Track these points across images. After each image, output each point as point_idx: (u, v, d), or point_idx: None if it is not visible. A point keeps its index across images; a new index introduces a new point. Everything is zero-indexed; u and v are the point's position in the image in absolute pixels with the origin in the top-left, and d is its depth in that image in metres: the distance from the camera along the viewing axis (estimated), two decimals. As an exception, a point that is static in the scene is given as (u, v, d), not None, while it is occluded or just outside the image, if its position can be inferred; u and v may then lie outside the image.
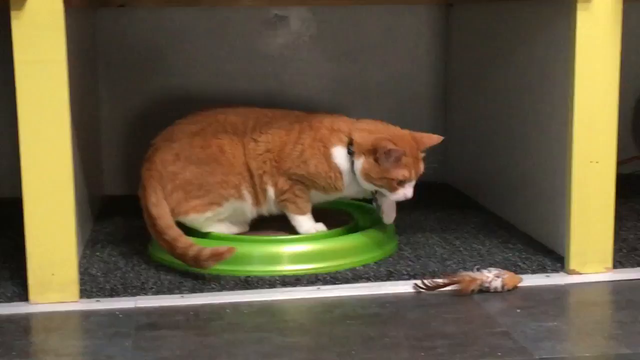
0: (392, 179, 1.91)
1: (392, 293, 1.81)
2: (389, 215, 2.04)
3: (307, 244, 1.95)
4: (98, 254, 2.05)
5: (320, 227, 2.01)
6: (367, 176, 1.92)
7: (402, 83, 2.76)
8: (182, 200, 1.95)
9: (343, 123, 1.99)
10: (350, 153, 1.94)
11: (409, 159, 1.90)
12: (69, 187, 1.74)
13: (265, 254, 1.93)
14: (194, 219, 1.97)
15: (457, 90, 2.70)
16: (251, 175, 1.98)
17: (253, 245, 1.95)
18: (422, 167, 1.94)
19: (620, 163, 1.93)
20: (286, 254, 1.92)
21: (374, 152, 1.90)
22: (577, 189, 1.88)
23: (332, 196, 2.02)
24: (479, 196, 2.52)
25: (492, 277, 1.81)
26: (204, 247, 1.86)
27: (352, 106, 2.74)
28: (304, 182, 1.97)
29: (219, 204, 1.97)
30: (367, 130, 1.95)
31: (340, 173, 1.95)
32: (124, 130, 2.64)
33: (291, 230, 2.03)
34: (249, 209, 2.01)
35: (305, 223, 2.01)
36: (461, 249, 2.06)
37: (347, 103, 2.73)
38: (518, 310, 1.71)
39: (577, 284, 1.87)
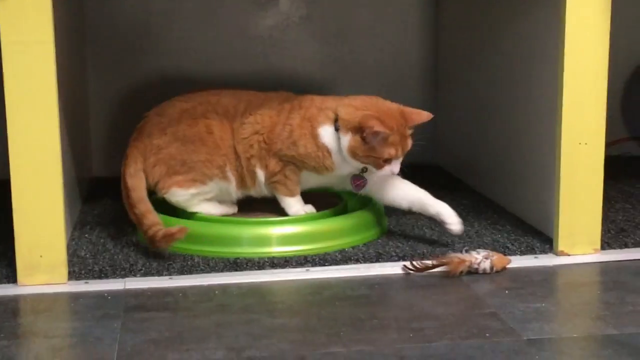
0: (379, 157, 1.91)
1: (381, 274, 1.82)
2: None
3: (296, 225, 1.95)
4: (86, 235, 2.05)
5: (309, 208, 2.02)
6: (354, 153, 1.92)
7: (392, 64, 2.76)
8: (165, 174, 1.96)
9: (332, 100, 1.98)
10: (337, 129, 1.94)
11: (395, 137, 1.90)
12: (57, 168, 1.73)
13: (254, 235, 1.93)
14: (177, 195, 1.97)
15: (447, 71, 2.70)
16: (237, 158, 1.98)
17: (242, 226, 1.95)
18: (409, 144, 1.94)
19: (609, 144, 1.94)
20: (275, 235, 1.93)
21: (360, 130, 1.89)
22: (566, 170, 1.88)
23: (328, 177, 2.01)
24: (468, 178, 2.53)
25: (480, 258, 1.82)
26: (163, 228, 1.86)
27: (342, 87, 2.73)
28: (295, 162, 1.97)
29: (203, 182, 1.97)
30: (354, 106, 1.94)
31: (329, 152, 1.95)
32: (112, 112, 2.63)
33: (280, 212, 2.03)
34: (234, 191, 2.01)
35: (294, 204, 2.01)
36: (450, 230, 2.06)
37: (337, 84, 2.73)
38: (506, 292, 1.72)
39: (566, 265, 1.88)
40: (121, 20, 2.59)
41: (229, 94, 2.03)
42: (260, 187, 2.01)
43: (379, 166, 1.93)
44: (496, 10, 2.26)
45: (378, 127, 1.86)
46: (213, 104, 2.00)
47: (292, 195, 2.00)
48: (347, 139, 1.91)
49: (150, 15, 2.60)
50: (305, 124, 1.95)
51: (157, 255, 1.89)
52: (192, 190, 1.97)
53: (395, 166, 1.93)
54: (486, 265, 1.81)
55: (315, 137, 1.94)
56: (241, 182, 2.00)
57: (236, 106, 2.00)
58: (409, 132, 1.94)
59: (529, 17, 2.04)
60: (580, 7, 1.82)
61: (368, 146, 1.89)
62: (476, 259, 1.81)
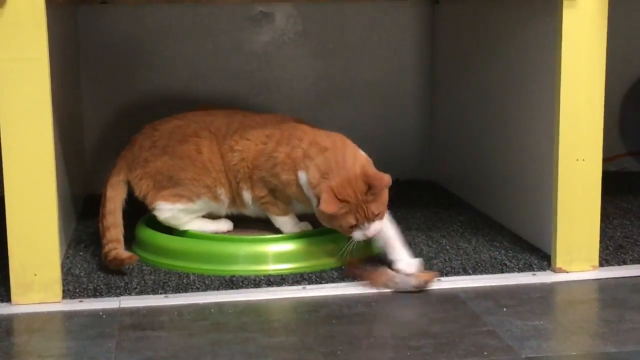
0: (341, 226, 1.86)
1: (378, 292, 1.82)
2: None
3: (292, 243, 1.95)
4: (81, 253, 2.04)
5: (305, 226, 2.01)
6: (321, 216, 1.88)
7: (388, 80, 2.76)
8: (152, 188, 1.97)
9: (315, 148, 1.91)
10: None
11: (351, 206, 1.83)
12: (51, 185, 1.73)
13: (251, 253, 1.93)
14: (164, 209, 1.97)
15: (443, 87, 2.71)
16: (229, 182, 1.98)
17: (238, 244, 1.95)
18: (375, 207, 1.84)
19: (606, 160, 1.95)
20: (271, 253, 1.93)
21: (318, 198, 1.84)
22: (564, 186, 1.88)
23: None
24: (465, 194, 2.53)
25: (401, 276, 1.81)
26: (117, 250, 1.88)
27: (336, 104, 2.74)
28: (279, 190, 1.97)
29: (190, 199, 1.97)
30: (318, 168, 1.87)
31: (306, 196, 1.92)
32: (107, 128, 2.63)
33: (277, 229, 2.03)
34: (225, 210, 2.01)
35: (287, 223, 2.01)
36: (447, 247, 2.06)
37: (332, 100, 2.74)
38: (504, 309, 1.72)
39: (564, 282, 1.88)
40: (115, 36, 2.60)
41: (223, 114, 2.04)
42: (250, 207, 2.01)
43: (346, 232, 1.87)
44: (491, 26, 2.27)
45: (326, 207, 1.81)
46: (207, 123, 2.00)
47: (284, 214, 2.00)
48: (315, 201, 1.88)
49: (144, 31, 2.61)
50: (288, 162, 1.92)
51: (152, 273, 1.89)
52: (179, 206, 1.97)
53: (368, 231, 1.85)
54: (408, 283, 1.80)
55: (296, 177, 1.91)
56: (234, 203, 2.00)
57: (228, 127, 2.00)
58: (371, 197, 1.84)
59: (525, 31, 2.05)
60: (577, 21, 1.83)
61: (327, 215, 1.84)
62: (394, 276, 1.81)
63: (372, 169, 1.89)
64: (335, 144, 1.93)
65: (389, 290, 1.82)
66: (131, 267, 1.91)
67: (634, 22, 2.80)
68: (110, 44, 2.60)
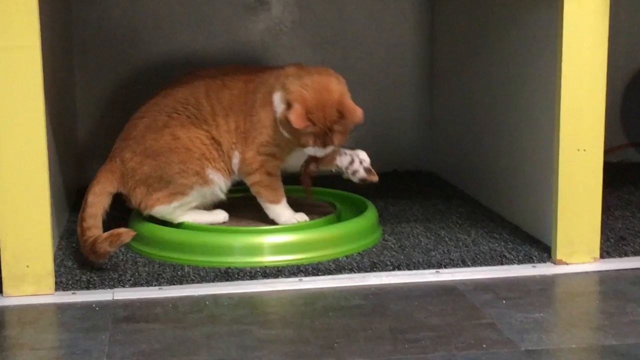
0: (298, 140, 1.92)
1: (376, 284, 1.82)
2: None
3: (288, 234, 1.95)
4: (74, 245, 2.04)
5: (301, 217, 2.02)
6: (281, 123, 1.93)
7: (386, 70, 2.76)
8: (145, 194, 1.97)
9: (292, 68, 1.98)
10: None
11: (316, 129, 1.89)
12: (43, 176, 1.73)
13: (246, 244, 1.93)
14: (161, 211, 1.98)
15: (442, 77, 2.70)
16: (218, 148, 1.98)
17: (233, 235, 1.95)
18: (337, 139, 1.92)
19: (607, 151, 1.94)
20: (267, 244, 1.93)
21: (289, 105, 1.90)
22: (564, 177, 1.88)
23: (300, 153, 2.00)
24: (464, 185, 2.53)
25: (354, 168, 1.95)
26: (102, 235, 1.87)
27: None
28: (273, 151, 1.97)
29: (183, 193, 1.97)
30: (301, 84, 1.92)
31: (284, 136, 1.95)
32: (100, 119, 2.63)
33: (273, 220, 2.03)
34: (221, 189, 2.00)
35: (282, 213, 2.01)
36: (446, 239, 2.06)
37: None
38: (504, 301, 1.72)
39: (564, 274, 1.88)
40: (109, 25, 2.59)
41: (181, 86, 2.01)
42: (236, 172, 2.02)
43: (298, 145, 1.94)
44: (492, 15, 2.27)
45: (295, 120, 1.86)
46: (170, 105, 1.99)
47: (277, 201, 2.00)
48: (282, 107, 1.92)
49: (139, 19, 2.60)
50: (267, 99, 1.95)
51: (146, 265, 1.89)
52: (175, 204, 1.98)
53: (319, 152, 1.93)
54: (358, 172, 1.95)
55: (271, 104, 1.95)
56: (227, 173, 2.00)
57: (195, 95, 1.99)
58: (340, 127, 1.91)
59: (526, 21, 2.05)
60: (578, 11, 1.83)
61: (290, 125, 1.90)
62: (351, 164, 1.96)
63: (348, 100, 1.93)
64: (320, 69, 1.98)
65: (333, 170, 1.97)
66: (119, 256, 1.89)
67: (636, 12, 2.80)
68: (104, 33, 2.59)
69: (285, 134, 1.94)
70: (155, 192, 1.97)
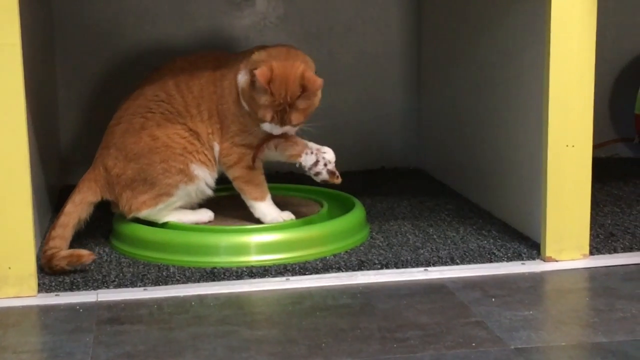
0: (255, 113, 1.93)
1: (364, 283, 1.82)
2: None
3: (275, 233, 1.95)
4: (57, 246, 2.03)
5: (287, 215, 2.02)
6: (243, 93, 1.95)
7: (373, 65, 2.76)
8: (131, 198, 1.96)
9: (255, 48, 2.00)
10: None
11: (277, 103, 1.90)
12: (25, 176, 1.72)
13: (232, 244, 1.92)
14: (147, 214, 1.98)
15: (430, 73, 2.71)
16: (199, 140, 1.98)
17: (219, 235, 1.95)
18: (296, 117, 1.92)
19: (596, 146, 1.95)
20: (254, 244, 1.92)
21: (252, 72, 1.91)
22: (553, 173, 1.89)
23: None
24: (452, 182, 2.53)
25: (318, 169, 1.96)
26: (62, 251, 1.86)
27: (322, 88, 2.73)
28: (249, 141, 1.98)
29: (169, 194, 1.97)
30: (267, 53, 1.95)
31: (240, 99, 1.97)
32: (83, 116, 2.62)
33: (259, 220, 2.03)
34: (208, 182, 2.00)
35: (268, 211, 2.01)
36: (435, 236, 2.07)
37: (316, 86, 2.73)
38: (493, 299, 1.72)
39: (554, 271, 1.89)
40: (91, 22, 2.58)
41: (150, 84, 2.01)
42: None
43: (256, 120, 1.94)
44: (479, 10, 2.27)
45: (259, 74, 1.88)
46: (143, 105, 1.99)
47: (262, 198, 2.01)
48: (245, 78, 1.94)
49: (121, 16, 2.59)
50: (234, 84, 1.97)
51: (130, 265, 1.88)
52: (160, 205, 1.98)
53: (275, 129, 1.94)
54: (320, 175, 1.97)
55: (236, 84, 1.97)
56: (213, 164, 2.01)
57: (170, 97, 1.99)
58: (301, 103, 1.92)
59: (514, 14, 2.06)
60: (566, 5, 1.83)
61: (252, 93, 1.91)
62: (315, 165, 1.97)
63: (309, 72, 1.94)
64: (289, 48, 1.99)
65: (297, 166, 1.99)
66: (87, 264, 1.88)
67: (624, 6, 2.81)
68: (86, 29, 2.58)
69: (246, 107, 1.95)
70: (141, 194, 1.96)
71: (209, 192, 2.02)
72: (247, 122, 1.97)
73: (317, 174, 1.98)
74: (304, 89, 1.91)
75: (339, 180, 1.98)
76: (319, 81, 1.93)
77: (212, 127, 1.99)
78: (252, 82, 1.91)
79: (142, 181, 1.96)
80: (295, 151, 1.99)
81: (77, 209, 1.95)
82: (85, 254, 1.85)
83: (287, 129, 1.95)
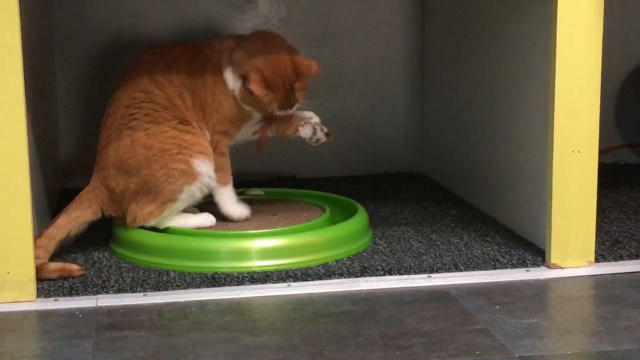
0: (262, 108, 2.00)
1: (366, 289, 1.82)
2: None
3: (277, 238, 1.95)
4: (56, 250, 2.03)
5: (246, 209, 2.07)
6: (243, 100, 2.00)
7: (376, 69, 2.76)
8: (136, 209, 1.96)
9: (231, 40, 2.05)
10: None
11: (277, 94, 1.97)
12: (24, 179, 1.73)
13: (233, 249, 1.93)
14: (155, 223, 1.99)
15: (433, 77, 2.71)
16: (191, 129, 1.99)
17: (220, 240, 1.95)
18: (298, 97, 2.01)
19: (602, 152, 1.95)
20: (255, 249, 1.93)
21: (244, 77, 1.96)
22: (558, 179, 1.89)
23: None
24: (456, 187, 2.53)
25: (317, 136, 2.05)
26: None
27: (323, 94, 2.73)
28: (227, 128, 2.02)
29: (173, 200, 1.97)
30: (247, 51, 2.00)
31: (235, 97, 2.01)
32: (83, 119, 2.62)
33: (260, 224, 2.03)
34: (211, 176, 2.00)
35: (231, 199, 2.05)
36: (438, 242, 2.07)
37: (318, 90, 2.71)
38: (497, 307, 1.72)
39: (559, 278, 1.89)
40: (91, 24, 2.58)
41: (126, 88, 2.01)
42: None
43: (266, 115, 2.03)
44: (485, 14, 2.27)
45: (256, 89, 1.94)
46: (125, 115, 1.99)
47: (227, 182, 2.04)
48: (239, 84, 1.99)
49: (122, 19, 2.60)
50: (217, 78, 2.01)
51: (130, 271, 1.88)
52: (166, 213, 1.98)
53: (288, 112, 2.03)
54: (320, 140, 2.07)
55: (225, 85, 2.01)
56: (211, 151, 2.03)
57: (149, 94, 1.99)
58: (299, 85, 2.00)
59: (519, 19, 2.06)
60: (572, 11, 1.84)
61: (252, 96, 1.97)
62: (314, 134, 2.06)
63: (299, 57, 2.01)
64: (262, 34, 2.07)
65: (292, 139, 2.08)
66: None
67: (630, 11, 2.81)
68: (87, 30, 2.58)
69: (249, 108, 2.01)
70: (147, 205, 1.96)
71: (213, 183, 2.02)
72: (235, 115, 2.02)
73: (317, 140, 2.07)
74: (299, 74, 1.99)
75: (332, 139, 2.09)
76: (315, 66, 2.01)
77: (198, 115, 2.02)
78: (247, 88, 1.96)
79: (147, 192, 1.96)
80: (292, 128, 2.08)
81: (70, 225, 1.95)
82: (75, 269, 1.86)
83: (296, 107, 2.03)
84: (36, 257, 1.84)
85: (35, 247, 1.87)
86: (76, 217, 1.96)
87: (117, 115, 2.00)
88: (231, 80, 2.01)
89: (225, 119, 2.02)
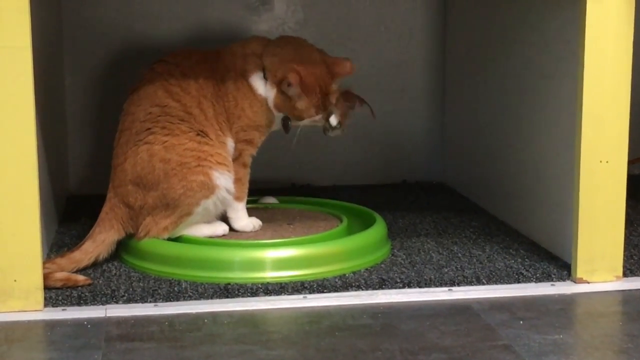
0: (300, 114, 2.03)
1: (385, 303, 1.82)
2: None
3: (292, 248, 1.96)
4: (64, 258, 2.04)
5: (257, 221, 2.08)
6: (278, 107, 2.03)
7: (396, 75, 2.77)
8: (151, 223, 1.98)
9: (255, 44, 2.07)
10: (266, 79, 2.03)
11: (315, 98, 2.01)
12: (33, 185, 1.74)
13: (247, 259, 1.93)
14: (169, 236, 2.00)
15: (455, 83, 2.71)
16: (208, 141, 2.00)
17: (234, 249, 1.96)
18: (333, 100, 2.05)
19: (631, 162, 1.95)
20: (270, 259, 1.93)
21: (280, 82, 1.99)
22: (585, 190, 1.89)
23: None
24: (478, 197, 2.54)
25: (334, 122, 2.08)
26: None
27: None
28: (252, 137, 2.04)
29: (189, 214, 1.98)
30: (279, 58, 2.02)
31: (266, 103, 2.04)
32: (92, 125, 2.63)
33: (275, 234, 2.04)
34: (229, 189, 2.01)
35: (243, 214, 2.07)
36: (459, 254, 2.07)
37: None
38: (521, 322, 1.72)
39: (585, 293, 1.88)
40: (102, 23, 2.59)
41: (141, 106, 2.02)
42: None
43: (301, 119, 2.05)
44: (509, 18, 2.28)
45: (294, 81, 1.97)
46: (143, 131, 1.99)
47: (242, 198, 2.06)
48: (272, 92, 2.01)
49: (133, 18, 2.61)
50: (240, 82, 2.03)
51: (141, 280, 1.89)
52: (180, 227, 1.99)
53: (318, 119, 2.06)
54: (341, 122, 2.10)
55: (252, 91, 2.03)
56: (230, 162, 2.04)
57: (165, 107, 2.00)
58: (335, 87, 2.05)
59: (545, 24, 2.06)
60: (601, 13, 1.84)
61: (289, 102, 2.00)
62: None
63: (331, 57, 2.06)
64: (288, 39, 2.12)
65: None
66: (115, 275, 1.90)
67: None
68: (97, 32, 2.60)
69: (283, 114, 2.04)
70: (163, 220, 1.97)
71: (229, 197, 2.02)
72: (260, 121, 2.04)
73: (339, 124, 2.11)
74: (335, 75, 2.03)
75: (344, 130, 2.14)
76: (349, 64, 2.05)
77: (219, 124, 2.01)
78: (284, 93, 1.99)
79: (164, 206, 1.97)
80: (323, 120, 2.10)
81: (98, 249, 1.96)
82: (81, 279, 1.87)
83: (324, 115, 2.07)
84: (48, 268, 1.85)
85: (55, 262, 1.89)
86: (102, 241, 1.97)
87: (132, 131, 2.01)
88: (261, 86, 2.03)
89: (250, 125, 2.03)
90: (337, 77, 2.04)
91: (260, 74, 2.02)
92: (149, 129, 1.99)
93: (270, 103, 2.03)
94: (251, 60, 2.03)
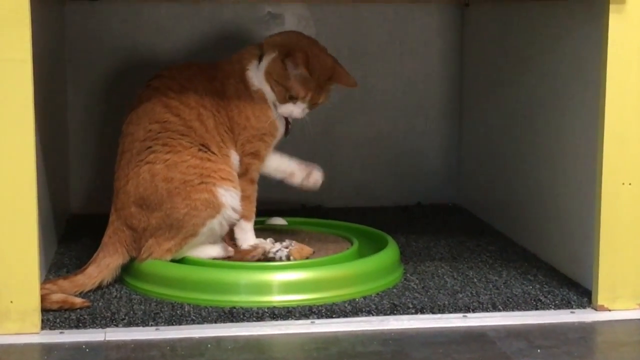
0: (287, 89, 2.04)
1: (396, 329, 1.82)
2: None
3: (300, 271, 1.96)
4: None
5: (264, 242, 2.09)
6: (268, 74, 2.04)
7: (410, 91, 2.77)
8: (154, 245, 1.98)
9: (253, 47, 2.11)
10: (261, 59, 2.06)
11: (311, 82, 2.04)
12: (32, 203, 1.74)
13: (253, 282, 1.93)
14: (172, 258, 2.00)
15: (472, 100, 2.71)
16: (210, 156, 2.01)
17: (239, 272, 1.96)
18: (323, 98, 2.08)
19: (655, 185, 1.94)
20: (277, 282, 1.93)
21: (286, 53, 2.02)
22: (607, 214, 1.89)
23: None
24: (495, 221, 2.53)
25: (278, 247, 2.02)
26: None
27: (352, 117, 2.75)
28: (258, 148, 2.06)
29: (194, 235, 1.99)
30: (289, 38, 2.11)
31: (265, 97, 2.06)
32: (94, 142, 2.65)
33: (282, 257, 2.05)
34: (235, 207, 2.01)
35: (251, 235, 2.08)
36: (475, 280, 2.07)
37: (346, 113, 2.75)
38: (539, 350, 1.72)
39: (606, 321, 1.88)
40: (107, 38, 2.61)
41: (140, 124, 2.03)
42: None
43: (282, 100, 2.05)
44: (527, 33, 2.28)
45: (300, 61, 2.01)
46: (142, 148, 2.00)
47: (251, 218, 2.07)
48: (269, 58, 2.04)
49: (138, 32, 2.62)
50: (240, 87, 2.06)
51: (142, 303, 1.89)
52: (185, 248, 2.00)
53: (297, 110, 2.06)
54: (282, 254, 2.00)
55: (250, 91, 2.05)
56: (235, 177, 2.05)
57: (165, 123, 2.01)
58: (330, 87, 2.09)
59: (566, 39, 2.06)
60: (625, 28, 1.84)
61: (284, 73, 2.02)
62: (272, 247, 2.02)
63: (339, 68, 2.11)
64: (291, 31, 2.22)
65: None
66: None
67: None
68: (101, 46, 2.61)
69: (270, 86, 2.05)
70: (166, 242, 1.98)
71: (235, 216, 2.03)
72: (264, 127, 2.05)
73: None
74: (335, 77, 2.08)
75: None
76: (353, 78, 2.11)
77: (221, 135, 2.02)
78: (283, 61, 2.02)
79: (168, 227, 1.98)
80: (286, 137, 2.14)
81: (102, 273, 1.97)
82: (78, 302, 1.87)
83: (304, 110, 2.07)
84: (47, 289, 1.86)
85: (56, 284, 1.90)
86: (107, 265, 1.98)
87: (133, 152, 2.02)
88: (256, 77, 2.05)
89: (254, 136, 2.05)
90: (337, 81, 2.08)
91: (256, 63, 2.06)
92: (150, 147, 2.00)
93: (261, 70, 2.04)
94: (246, 57, 2.07)
